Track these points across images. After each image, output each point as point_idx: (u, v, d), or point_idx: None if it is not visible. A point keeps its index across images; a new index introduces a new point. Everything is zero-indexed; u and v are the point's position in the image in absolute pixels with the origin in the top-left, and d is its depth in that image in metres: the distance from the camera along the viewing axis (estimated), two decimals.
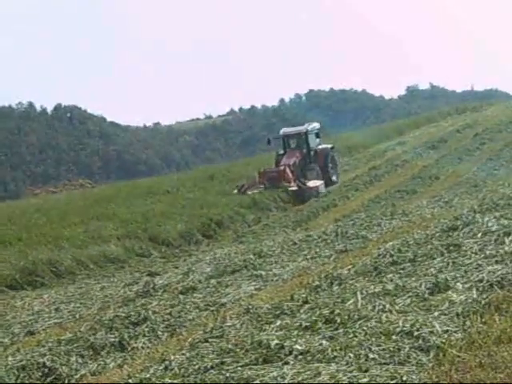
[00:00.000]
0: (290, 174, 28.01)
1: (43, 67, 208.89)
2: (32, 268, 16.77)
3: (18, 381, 8.21)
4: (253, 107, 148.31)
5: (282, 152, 30.99)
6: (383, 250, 11.98)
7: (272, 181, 27.45)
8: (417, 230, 13.93)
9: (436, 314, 7.77)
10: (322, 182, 28.75)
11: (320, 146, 31.62)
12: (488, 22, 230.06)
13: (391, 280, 9.78)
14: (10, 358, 8.96)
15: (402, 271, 10.32)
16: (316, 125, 32.62)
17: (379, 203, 23.93)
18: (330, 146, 32.24)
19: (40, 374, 8.45)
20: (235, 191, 27.20)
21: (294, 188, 27.37)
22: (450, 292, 8.59)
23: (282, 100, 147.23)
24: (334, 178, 31.00)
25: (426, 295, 8.66)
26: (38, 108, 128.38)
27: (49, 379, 8.35)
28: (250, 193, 26.60)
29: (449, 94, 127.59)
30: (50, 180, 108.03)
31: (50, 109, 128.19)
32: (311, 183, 28.13)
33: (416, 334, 7.09)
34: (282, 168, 28.21)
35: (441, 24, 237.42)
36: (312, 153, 30.87)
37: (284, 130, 32.11)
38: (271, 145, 33.14)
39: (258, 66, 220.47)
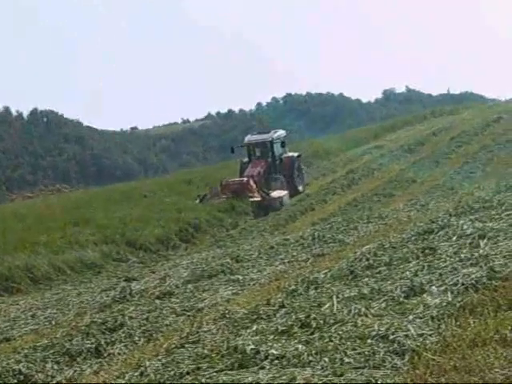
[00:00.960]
0: (254, 185, 26.99)
1: (19, 71, 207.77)
2: (8, 274, 16.68)
3: None
4: (230, 111, 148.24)
5: (246, 160, 30.17)
6: (359, 254, 12.02)
7: (235, 192, 26.44)
8: (393, 234, 14.00)
9: (411, 317, 7.80)
10: (286, 192, 27.69)
11: (286, 155, 30.68)
12: (462, 25, 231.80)
13: (367, 284, 9.82)
14: None
15: (377, 275, 10.36)
16: (282, 133, 31.78)
17: (356, 207, 24.02)
18: (296, 154, 31.33)
19: (15, 381, 8.41)
20: (197, 201, 26.31)
21: (258, 199, 26.39)
22: (424, 295, 8.64)
23: (259, 104, 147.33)
24: (299, 187, 30.05)
25: (402, 299, 8.70)
26: (14, 112, 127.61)
27: None
28: (212, 203, 25.87)
29: (425, 97, 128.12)
30: (26, 185, 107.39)
31: (26, 113, 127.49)
32: (275, 193, 27.16)
33: (391, 337, 7.13)
34: (244, 180, 27.16)
35: (416, 27, 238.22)
36: (278, 162, 29.98)
37: (249, 138, 30.97)
38: (235, 153, 32.41)
39: (235, 69, 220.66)
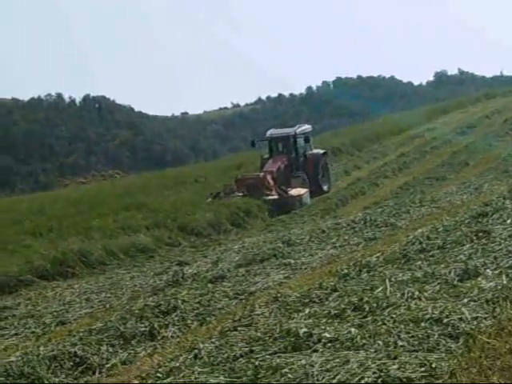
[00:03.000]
0: (272, 182, 25.28)
1: (72, 58, 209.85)
2: (63, 258, 16.85)
3: (50, 370, 8.27)
4: (280, 95, 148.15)
5: (267, 156, 28.53)
6: (412, 238, 11.97)
7: (251, 188, 24.64)
8: (446, 217, 13.88)
9: (465, 300, 7.73)
10: (305, 190, 25.74)
11: (310, 151, 28.67)
12: None
13: (420, 267, 9.76)
14: (41, 348, 9.03)
15: (431, 258, 10.30)
16: (307, 127, 29.73)
17: (408, 190, 23.86)
18: (321, 151, 29.26)
19: (71, 363, 8.49)
20: (209, 199, 24.65)
21: (274, 196, 24.60)
22: (479, 278, 8.55)
23: (309, 88, 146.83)
24: (324, 187, 28.04)
25: (456, 282, 8.62)
26: (67, 99, 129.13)
27: (80, 368, 8.40)
28: (226, 201, 23.96)
29: (478, 79, 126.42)
30: (79, 171, 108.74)
31: (78, 100, 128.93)
32: (294, 191, 25.27)
33: (445, 320, 7.06)
34: (261, 175, 25.49)
35: (468, 7, 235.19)
36: (301, 158, 28.12)
37: (271, 132, 29.14)
38: (256, 147, 30.69)
39: (285, 54, 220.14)
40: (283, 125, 33.21)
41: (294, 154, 28.01)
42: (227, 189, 25.46)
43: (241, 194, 24.57)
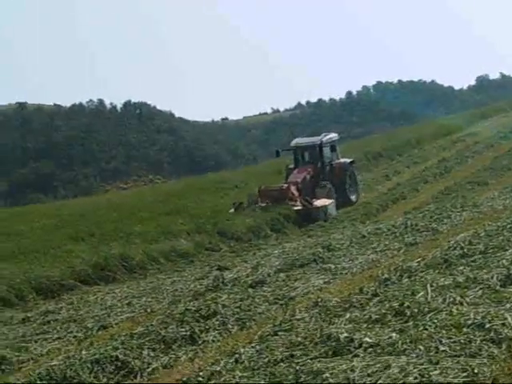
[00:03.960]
0: (296, 193, 24.46)
1: (113, 64, 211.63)
2: (104, 263, 16.98)
3: (92, 374, 8.35)
4: (320, 100, 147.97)
5: (292, 166, 27.33)
6: (453, 243, 11.90)
7: (274, 200, 23.83)
8: (488, 222, 13.77)
9: (508, 306, 7.67)
10: (331, 201, 24.79)
11: (337, 161, 27.55)
12: None
13: (462, 272, 9.69)
14: (83, 352, 9.10)
15: (472, 263, 10.23)
16: (333, 136, 28.31)
17: (449, 195, 23.65)
18: (348, 160, 28.06)
19: (113, 367, 8.56)
20: (231, 210, 23.89)
21: (299, 207, 23.75)
22: None
23: (349, 92, 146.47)
24: (352, 197, 27.05)
25: (498, 287, 8.56)
26: (108, 105, 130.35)
27: (122, 372, 8.47)
28: (249, 211, 23.34)
29: None
30: (120, 176, 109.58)
31: (119, 106, 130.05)
32: (318, 202, 24.27)
33: (487, 326, 7.01)
34: (285, 187, 24.58)
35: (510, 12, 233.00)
36: (327, 168, 27.02)
37: (296, 142, 27.98)
38: (280, 156, 29.24)
39: (325, 59, 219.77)
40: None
41: (319, 164, 26.92)
42: (250, 199, 24.64)
43: (264, 205, 23.82)
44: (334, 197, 25.30)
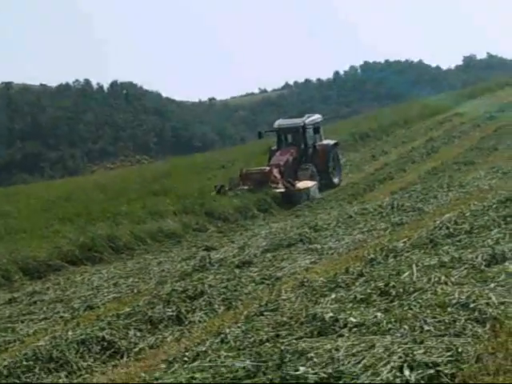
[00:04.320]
0: (278, 175, 24.19)
1: (99, 44, 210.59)
2: (91, 244, 16.96)
3: (78, 354, 8.35)
4: (307, 81, 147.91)
5: (275, 148, 27.03)
6: (439, 223, 11.94)
7: (256, 182, 23.55)
8: (474, 202, 13.82)
9: (492, 285, 7.72)
10: (314, 183, 24.49)
11: (320, 143, 27.10)
12: None
13: (447, 252, 9.75)
14: (70, 332, 9.09)
15: (458, 243, 10.29)
16: (316, 117, 27.82)
17: (436, 175, 23.67)
18: (332, 142, 27.66)
19: (99, 347, 8.57)
20: (213, 193, 23.54)
21: (281, 190, 23.39)
22: (506, 263, 8.52)
23: (336, 73, 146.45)
24: (335, 179, 26.71)
25: (483, 267, 8.61)
26: (95, 85, 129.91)
27: (108, 352, 8.48)
28: (231, 194, 23.06)
29: (507, 63, 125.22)
30: (107, 157, 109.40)
31: (106, 86, 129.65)
32: (301, 184, 24.00)
33: (472, 305, 7.05)
34: (266, 169, 24.29)
35: None
36: (310, 150, 26.68)
37: (279, 123, 27.33)
38: (262, 138, 28.91)
39: (312, 38, 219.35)
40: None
41: (302, 146, 26.56)
42: (232, 182, 24.34)
43: (246, 188, 23.49)
44: (316, 179, 25.06)
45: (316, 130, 26.93)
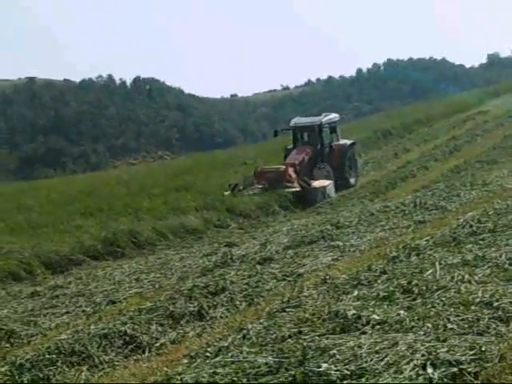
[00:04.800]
0: (293, 174, 23.90)
1: (123, 39, 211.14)
2: (113, 239, 17.03)
3: (100, 348, 8.38)
4: (330, 78, 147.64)
5: (290, 147, 26.66)
6: (462, 221, 11.88)
7: (271, 182, 23.29)
8: (497, 200, 13.74)
9: None
10: (330, 182, 24.28)
11: (336, 142, 26.75)
12: None
13: (470, 250, 9.68)
14: (92, 327, 9.13)
15: (481, 242, 10.21)
16: (334, 116, 27.50)
17: (459, 173, 23.59)
18: (349, 142, 27.24)
19: (121, 342, 8.59)
20: (227, 192, 23.03)
21: (296, 189, 23.16)
22: None
23: (359, 70, 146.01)
24: (351, 180, 26.34)
25: (506, 266, 8.54)
26: (118, 81, 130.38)
27: (130, 347, 8.50)
28: (246, 193, 22.82)
29: None
30: (129, 152, 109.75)
31: (129, 81, 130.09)
32: (317, 183, 23.77)
33: (495, 304, 7.00)
34: (282, 168, 24.01)
35: None
36: (326, 149, 26.31)
37: (295, 121, 27.08)
38: (277, 136, 27.73)
39: (336, 36, 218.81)
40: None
41: (319, 145, 26.24)
42: (247, 181, 24.11)
43: (261, 187, 23.30)
44: (332, 179, 24.82)
45: (333, 129, 26.81)
